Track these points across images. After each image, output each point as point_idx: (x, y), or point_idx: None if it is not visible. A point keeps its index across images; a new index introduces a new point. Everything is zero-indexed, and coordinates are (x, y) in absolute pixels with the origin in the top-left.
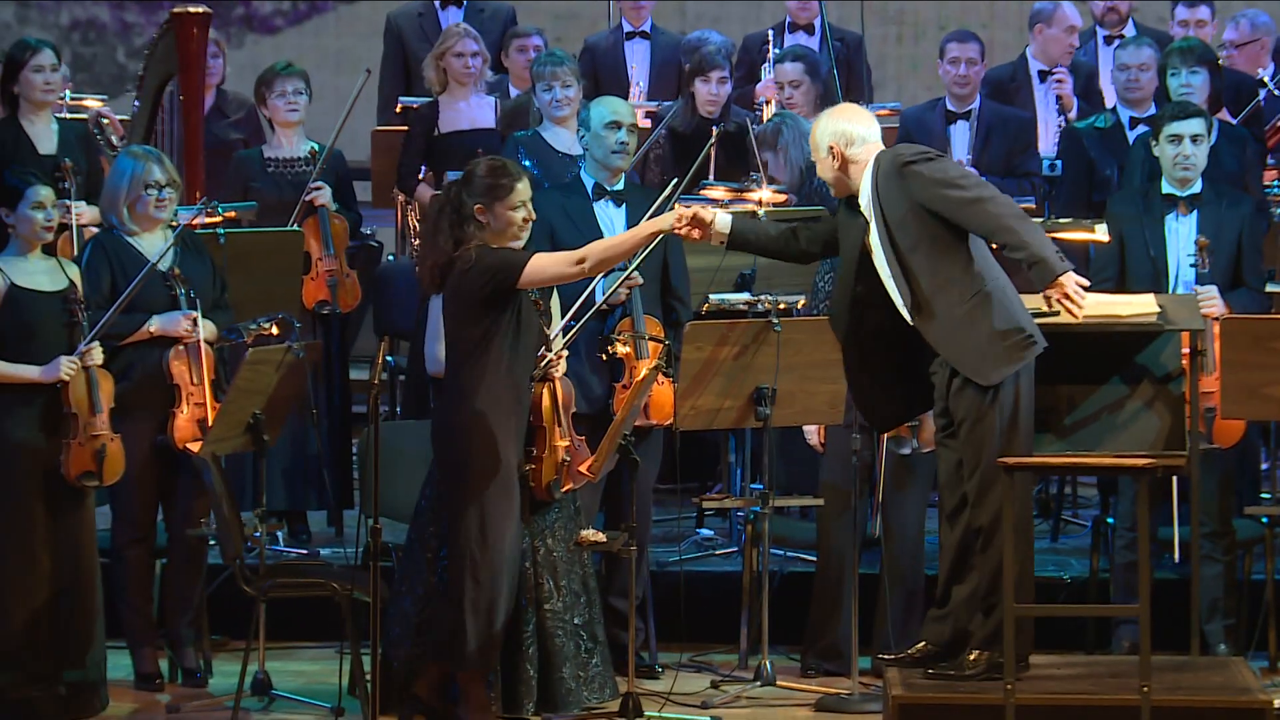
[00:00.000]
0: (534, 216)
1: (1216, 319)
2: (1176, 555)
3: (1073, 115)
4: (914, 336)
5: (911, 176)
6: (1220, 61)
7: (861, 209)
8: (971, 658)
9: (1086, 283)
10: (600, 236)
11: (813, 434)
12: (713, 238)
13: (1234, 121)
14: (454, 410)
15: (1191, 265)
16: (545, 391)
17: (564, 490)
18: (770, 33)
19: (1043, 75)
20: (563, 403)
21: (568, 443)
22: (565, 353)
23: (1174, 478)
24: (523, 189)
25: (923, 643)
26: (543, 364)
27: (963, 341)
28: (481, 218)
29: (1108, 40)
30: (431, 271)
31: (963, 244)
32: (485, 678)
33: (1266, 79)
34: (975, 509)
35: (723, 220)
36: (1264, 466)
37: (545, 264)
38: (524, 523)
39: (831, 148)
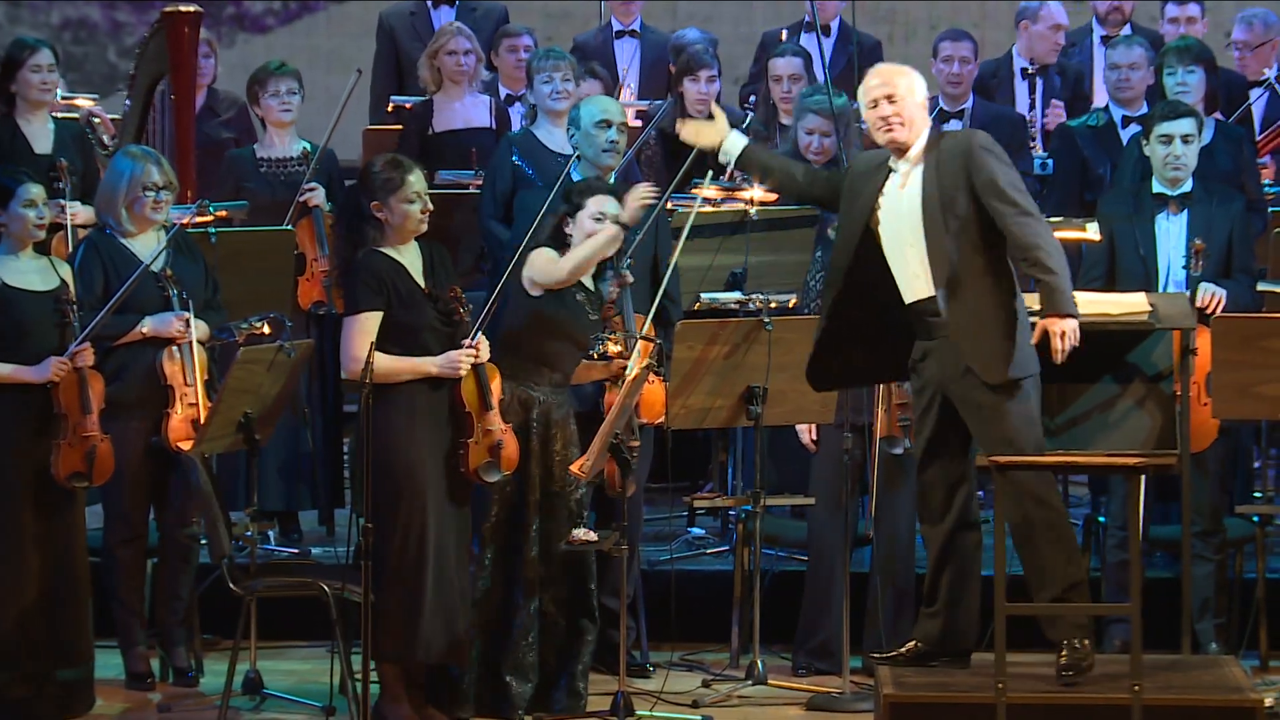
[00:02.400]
0: (431, 208)
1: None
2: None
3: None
4: (895, 310)
5: (983, 163)
6: (1227, 61)
7: (899, 170)
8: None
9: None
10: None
11: (805, 433)
12: (719, 145)
13: (1226, 120)
14: (368, 404)
15: (1184, 267)
16: (471, 378)
17: (504, 474)
18: (785, 31)
19: (1024, 73)
20: (495, 388)
21: (499, 427)
22: (484, 341)
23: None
24: (415, 180)
25: (914, 641)
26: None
27: (981, 335)
28: (379, 214)
29: (1105, 40)
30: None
31: (1002, 248)
32: (409, 671)
33: (1274, 79)
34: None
35: (735, 141)
36: (1255, 465)
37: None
38: (461, 509)
39: (922, 103)
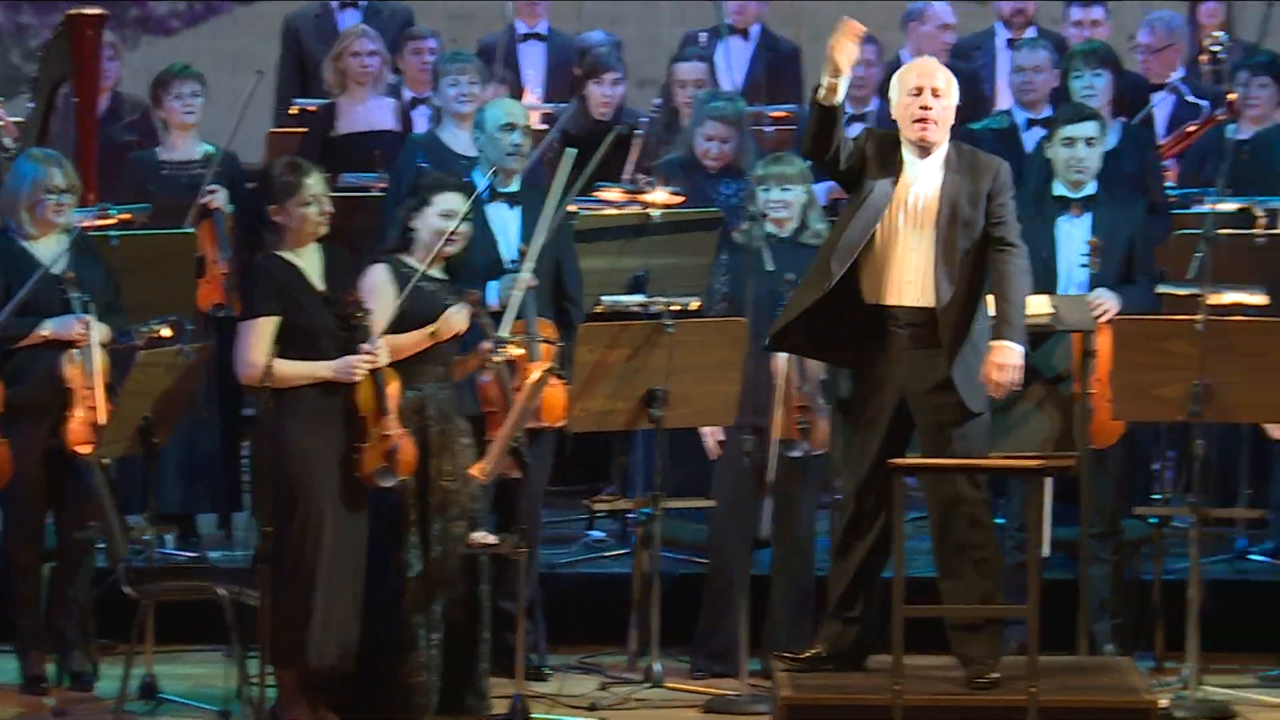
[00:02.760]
0: (330, 210)
1: (1109, 323)
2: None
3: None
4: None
5: (1003, 187)
6: (1131, 64)
7: (911, 166)
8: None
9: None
10: (494, 238)
11: (709, 436)
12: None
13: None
14: (265, 408)
15: (1082, 265)
16: (367, 382)
17: (400, 478)
18: (705, 34)
19: None
20: (392, 391)
21: (395, 431)
22: (384, 344)
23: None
24: (312, 184)
25: (820, 646)
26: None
27: (969, 361)
28: (277, 218)
29: (1009, 43)
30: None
31: (988, 278)
32: (305, 675)
33: (1178, 82)
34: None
35: (842, 89)
36: (1155, 467)
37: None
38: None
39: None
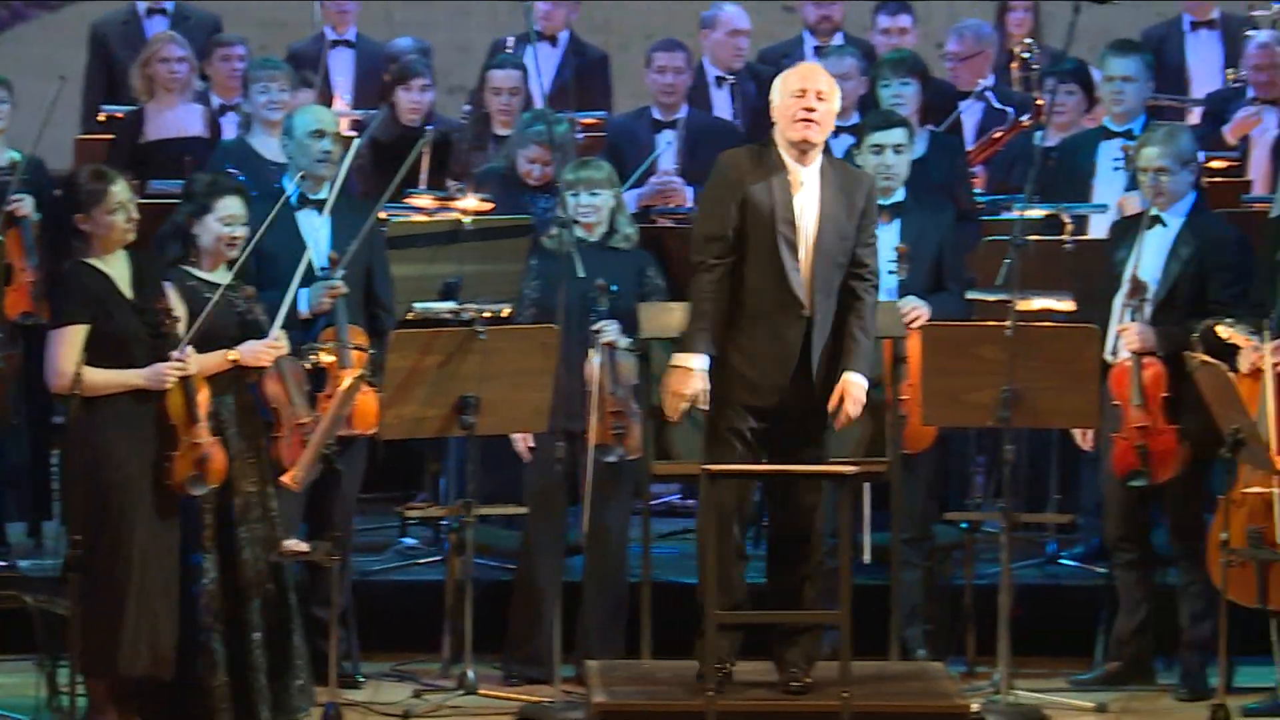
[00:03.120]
0: (137, 217)
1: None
2: (867, 555)
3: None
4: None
5: (872, 204)
6: (940, 72)
7: (792, 172)
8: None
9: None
10: (303, 245)
11: (519, 442)
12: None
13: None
14: (75, 417)
15: (890, 273)
16: (178, 390)
17: (210, 486)
18: (513, 40)
19: (719, 81)
20: (201, 399)
21: (206, 439)
22: (191, 351)
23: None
24: (118, 191)
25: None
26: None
27: (833, 369)
28: (85, 226)
29: (817, 51)
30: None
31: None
32: (115, 684)
33: (987, 90)
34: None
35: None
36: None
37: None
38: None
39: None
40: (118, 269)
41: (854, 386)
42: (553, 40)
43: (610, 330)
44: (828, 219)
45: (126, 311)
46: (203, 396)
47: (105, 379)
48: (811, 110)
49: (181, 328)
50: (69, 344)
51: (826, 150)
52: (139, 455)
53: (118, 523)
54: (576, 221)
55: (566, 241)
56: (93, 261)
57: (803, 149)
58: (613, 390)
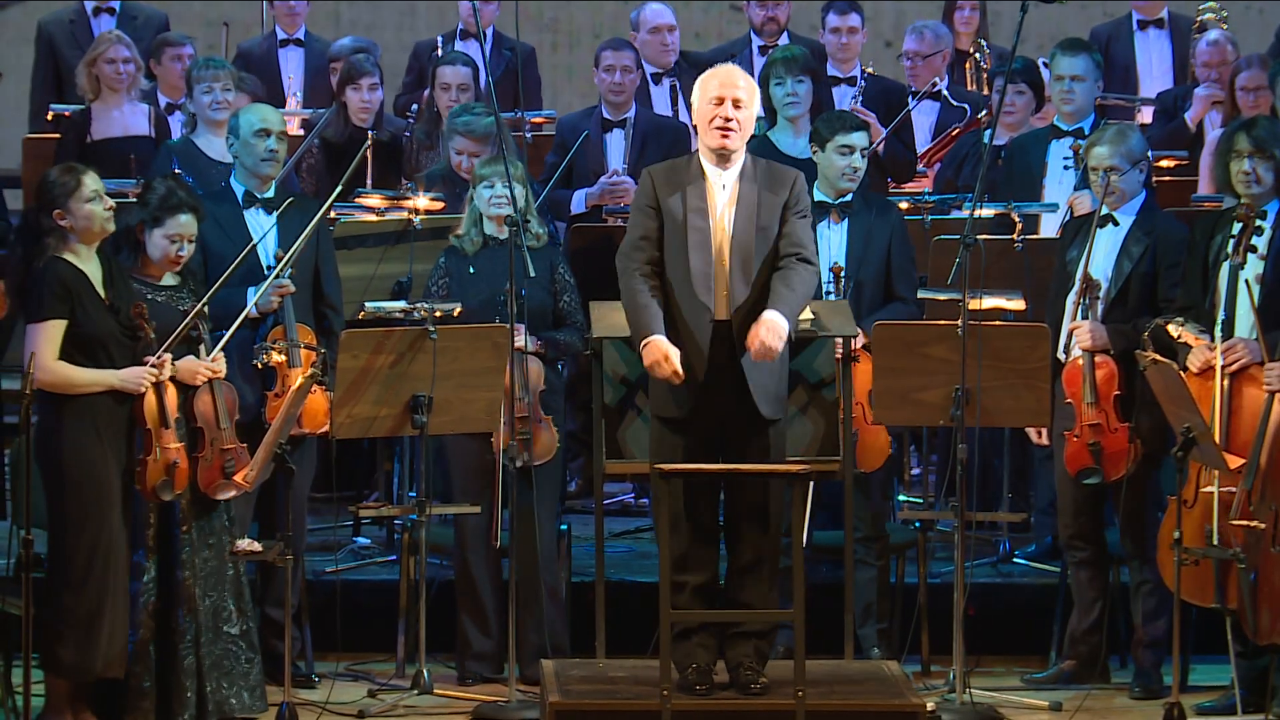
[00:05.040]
0: (114, 206)
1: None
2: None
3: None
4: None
5: (799, 197)
6: (896, 71)
7: (715, 178)
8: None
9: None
10: (248, 243)
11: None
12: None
13: (884, 130)
14: (48, 418)
15: (828, 293)
16: (151, 395)
17: (175, 494)
18: (440, 39)
19: (656, 78)
20: (171, 405)
21: (174, 445)
22: (169, 358)
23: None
24: (90, 181)
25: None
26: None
27: (763, 368)
28: (62, 222)
29: (763, 51)
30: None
31: None
32: (81, 683)
33: (944, 89)
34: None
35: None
36: (915, 472)
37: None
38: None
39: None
40: (92, 268)
41: (770, 320)
42: (479, 37)
43: (518, 335)
44: (746, 217)
45: (102, 310)
46: (172, 403)
47: (83, 377)
48: (729, 120)
49: (151, 332)
50: (49, 339)
51: (756, 149)
52: (111, 456)
53: (98, 524)
54: (528, 221)
55: (516, 238)
56: (69, 258)
57: (721, 154)
58: (519, 396)
